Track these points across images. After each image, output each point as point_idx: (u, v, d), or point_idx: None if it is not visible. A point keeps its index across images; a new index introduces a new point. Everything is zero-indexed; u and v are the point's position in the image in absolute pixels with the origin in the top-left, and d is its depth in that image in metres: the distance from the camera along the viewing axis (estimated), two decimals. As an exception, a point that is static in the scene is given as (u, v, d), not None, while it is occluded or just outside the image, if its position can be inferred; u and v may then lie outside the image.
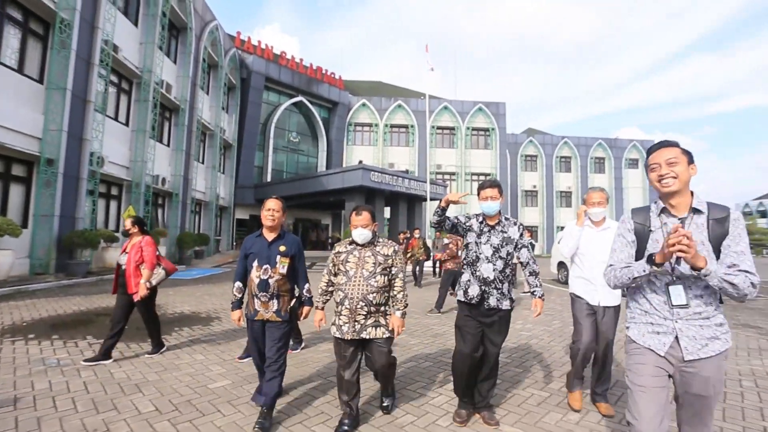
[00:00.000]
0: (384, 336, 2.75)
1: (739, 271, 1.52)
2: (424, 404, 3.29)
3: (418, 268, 11.46)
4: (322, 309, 2.98)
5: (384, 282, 2.75)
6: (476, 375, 2.98)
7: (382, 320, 2.77)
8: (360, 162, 27.24)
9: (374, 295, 2.69)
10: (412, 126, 32.54)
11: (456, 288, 3.16)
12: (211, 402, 3.24)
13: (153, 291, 4.43)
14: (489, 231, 2.91)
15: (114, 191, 14.26)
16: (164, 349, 4.64)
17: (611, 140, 39.73)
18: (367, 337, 2.70)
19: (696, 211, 1.67)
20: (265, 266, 2.92)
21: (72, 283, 9.84)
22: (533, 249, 10.00)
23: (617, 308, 3.16)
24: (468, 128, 33.00)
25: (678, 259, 1.57)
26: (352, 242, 2.86)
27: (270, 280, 2.90)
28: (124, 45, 13.72)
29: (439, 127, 32.97)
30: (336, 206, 27.65)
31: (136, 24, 15.02)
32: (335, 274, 2.89)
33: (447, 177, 32.59)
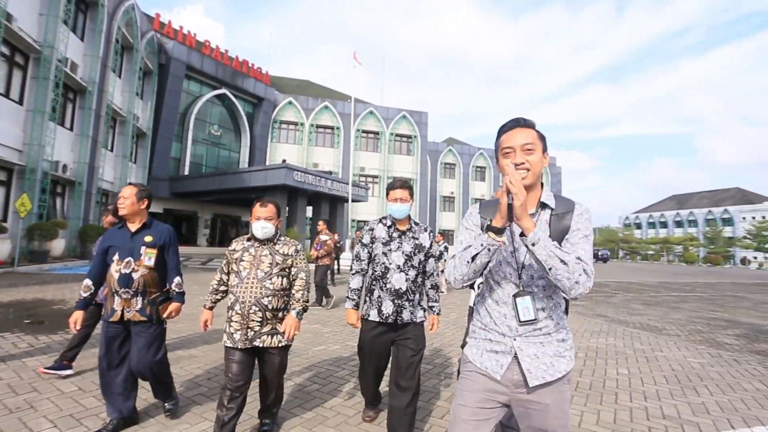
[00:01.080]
0: (279, 345, 2.46)
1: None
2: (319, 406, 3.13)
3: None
4: (210, 309, 2.64)
5: (282, 284, 2.47)
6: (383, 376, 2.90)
7: (279, 327, 2.47)
8: (284, 161, 27.07)
9: (270, 298, 2.41)
10: (337, 128, 33.01)
11: (363, 307, 2.75)
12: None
13: None
14: (399, 237, 2.66)
15: (2, 176, 12.90)
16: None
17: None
18: (261, 345, 2.40)
19: (544, 205, 1.45)
20: (127, 259, 2.61)
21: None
22: (447, 253, 10.68)
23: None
24: (392, 134, 34.29)
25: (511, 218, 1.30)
26: (251, 238, 2.58)
27: (133, 275, 2.59)
28: (19, 14, 12.53)
29: (364, 131, 33.83)
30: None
31: (37, -6, 13.74)
32: (227, 273, 2.61)
33: (370, 179, 33.51)
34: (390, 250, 2.64)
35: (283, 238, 2.64)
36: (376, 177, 33.69)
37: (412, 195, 2.71)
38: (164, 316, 2.73)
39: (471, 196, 40.60)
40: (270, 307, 2.41)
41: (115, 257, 2.61)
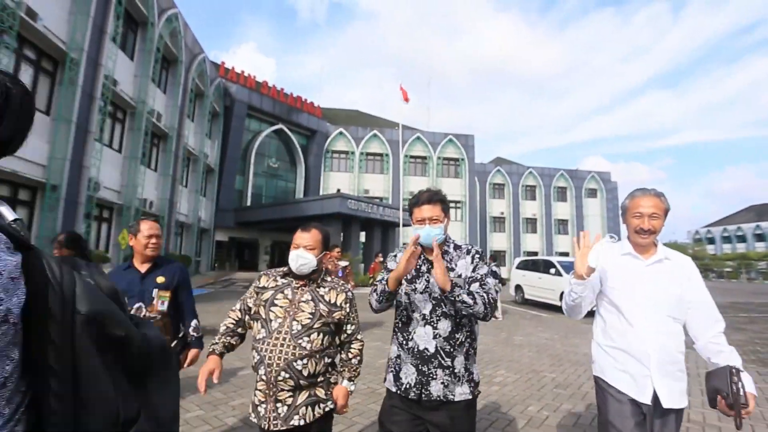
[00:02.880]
0: (325, 410, 1.87)
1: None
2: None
3: None
4: (219, 355, 1.95)
5: (322, 343, 1.85)
6: None
7: (321, 393, 1.88)
8: (338, 190, 28.65)
9: (305, 361, 1.80)
10: (386, 154, 34.29)
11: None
12: None
13: None
14: (428, 271, 1.87)
15: (105, 214, 15.00)
16: None
17: (572, 171, 42.83)
18: (301, 423, 1.79)
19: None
20: (137, 305, 2.32)
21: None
22: (499, 274, 10.50)
23: (680, 414, 1.84)
24: (439, 158, 35.08)
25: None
26: (287, 274, 1.98)
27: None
28: (121, 78, 14.77)
29: (411, 156, 34.87)
30: (313, 230, 28.69)
31: (132, 58, 16.12)
32: (250, 312, 2.00)
33: (420, 204, 34.38)
34: (414, 290, 1.86)
35: (330, 280, 2.02)
36: (424, 201, 34.53)
37: (446, 210, 1.93)
38: (186, 365, 2.46)
39: (522, 215, 40.22)
40: (305, 373, 1.79)
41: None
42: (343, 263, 7.58)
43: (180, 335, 2.53)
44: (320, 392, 1.88)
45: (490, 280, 1.85)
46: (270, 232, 29.92)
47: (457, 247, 1.97)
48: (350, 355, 2.00)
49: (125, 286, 2.33)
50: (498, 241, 39.50)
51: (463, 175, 35.12)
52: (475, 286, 1.81)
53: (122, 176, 15.42)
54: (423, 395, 1.79)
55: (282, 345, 1.79)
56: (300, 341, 1.80)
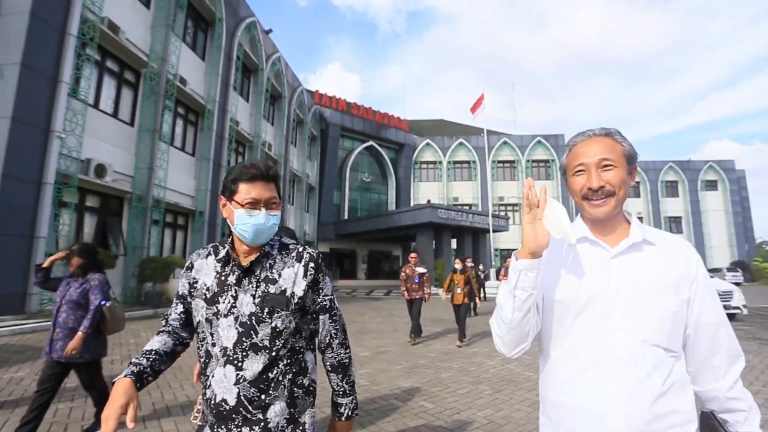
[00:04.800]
0: None
1: None
2: None
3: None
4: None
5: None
6: None
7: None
8: (428, 201, 29.93)
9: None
10: (473, 161, 34.72)
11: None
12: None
13: None
14: (237, 283, 1.23)
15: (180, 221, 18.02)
16: None
17: (683, 162, 38.85)
18: None
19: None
20: None
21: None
22: None
23: None
24: (528, 161, 34.50)
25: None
26: None
27: None
28: (241, 119, 17.75)
29: (499, 161, 34.81)
30: (406, 239, 30.24)
31: (247, 100, 19.19)
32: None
33: (510, 208, 34.02)
34: (216, 313, 1.23)
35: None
36: (515, 205, 34.10)
37: (277, 185, 1.29)
38: None
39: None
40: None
41: None
42: (421, 270, 7.64)
43: None
44: None
45: (336, 302, 1.33)
46: (366, 242, 32.14)
47: (283, 248, 1.30)
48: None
49: None
50: (599, 242, 37.34)
51: (555, 177, 34.07)
52: (323, 320, 1.29)
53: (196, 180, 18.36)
54: None
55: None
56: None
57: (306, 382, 1.27)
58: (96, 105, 10.72)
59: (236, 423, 1.17)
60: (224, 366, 1.19)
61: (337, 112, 30.66)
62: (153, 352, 1.25)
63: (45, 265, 3.26)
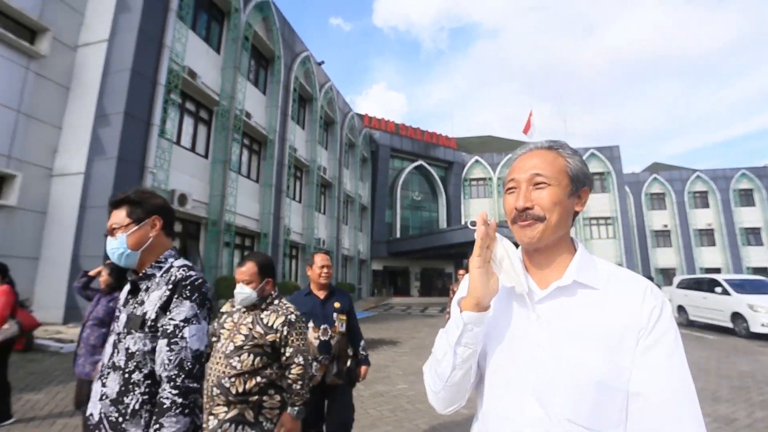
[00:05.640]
0: None
1: None
2: None
3: None
4: None
5: (252, 364, 1.87)
6: None
7: (249, 415, 1.85)
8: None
9: (233, 380, 1.84)
10: (524, 176, 34.21)
11: None
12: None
13: (5, 349, 3.82)
14: (127, 300, 1.38)
15: (294, 252, 19.11)
16: (10, 421, 3.81)
17: (759, 169, 35.91)
18: None
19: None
20: (323, 326, 2.66)
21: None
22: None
23: None
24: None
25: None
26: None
27: (332, 341, 2.65)
28: (299, 146, 18.99)
29: (552, 175, 34.00)
30: (458, 256, 30.22)
31: (303, 128, 20.49)
32: (215, 335, 2.07)
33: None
34: (114, 329, 1.37)
35: (276, 304, 2.06)
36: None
37: (139, 215, 1.35)
38: (362, 378, 2.87)
39: (692, 227, 35.12)
40: (233, 391, 1.82)
41: (311, 325, 2.63)
42: None
43: (351, 354, 2.85)
44: (249, 414, 1.83)
45: (189, 331, 1.23)
46: (419, 260, 32.44)
47: (167, 271, 1.34)
48: (290, 381, 1.95)
49: (309, 309, 2.68)
50: (664, 257, 35.09)
51: (611, 189, 32.75)
52: (160, 347, 1.21)
53: (303, 221, 19.47)
54: None
55: (217, 363, 1.88)
56: (231, 360, 1.86)
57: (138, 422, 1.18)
58: (178, 142, 12.11)
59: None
60: (98, 380, 1.25)
61: (386, 133, 31.64)
62: None
63: (92, 273, 3.46)
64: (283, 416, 1.90)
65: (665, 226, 35.65)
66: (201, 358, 1.24)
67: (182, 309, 1.25)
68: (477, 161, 35.51)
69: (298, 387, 1.94)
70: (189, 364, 1.19)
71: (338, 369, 2.65)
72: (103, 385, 1.23)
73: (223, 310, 2.14)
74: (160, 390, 1.17)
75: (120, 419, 1.17)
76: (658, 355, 0.77)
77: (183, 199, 11.42)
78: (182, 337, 1.21)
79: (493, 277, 0.85)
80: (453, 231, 24.74)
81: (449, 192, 34.54)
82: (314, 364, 2.53)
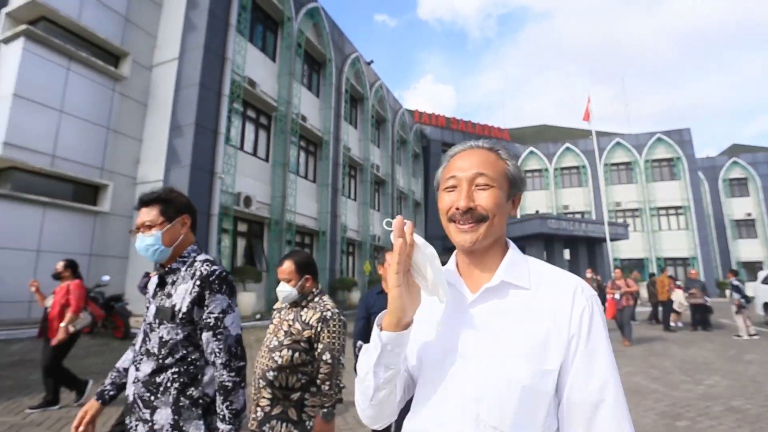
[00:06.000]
0: None
1: None
2: None
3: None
4: None
5: (291, 360, 1.91)
6: None
7: (293, 414, 1.90)
8: (537, 212, 29.03)
9: (275, 374, 1.90)
10: (583, 166, 32.67)
11: None
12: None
13: (71, 339, 4.17)
14: (155, 293, 1.53)
15: (351, 249, 19.72)
16: (56, 407, 4.07)
17: None
18: None
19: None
20: None
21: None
22: (743, 290, 9.51)
23: None
24: (647, 161, 31.21)
25: None
26: None
27: None
28: (352, 145, 19.53)
29: (613, 164, 32.16)
30: (518, 248, 29.47)
31: (356, 127, 21.00)
32: None
33: (629, 214, 31.11)
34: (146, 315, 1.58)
35: (316, 301, 2.09)
36: (635, 210, 31.04)
37: (171, 213, 1.49)
38: None
39: (782, 214, 31.68)
40: (276, 384, 1.90)
41: None
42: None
43: None
44: (292, 413, 1.88)
45: (228, 321, 1.38)
46: (472, 254, 32.08)
47: (191, 265, 1.47)
48: (319, 381, 1.93)
49: (382, 307, 2.32)
50: (748, 249, 31.88)
51: (682, 176, 30.30)
52: (207, 338, 1.36)
53: (358, 219, 20.02)
54: None
55: (263, 357, 1.99)
56: (273, 355, 1.94)
57: (195, 394, 1.34)
58: (241, 147, 12.98)
59: (135, 418, 1.36)
60: (133, 365, 1.42)
61: (436, 128, 31.55)
62: (115, 369, 1.57)
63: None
64: (316, 421, 1.89)
65: (749, 214, 32.39)
66: (241, 340, 1.43)
67: (217, 303, 1.39)
68: (532, 152, 34.37)
69: (326, 387, 1.90)
70: (234, 348, 1.39)
71: None
72: (137, 369, 1.39)
73: (275, 306, 2.22)
74: (217, 375, 1.35)
75: (151, 397, 1.33)
76: (584, 360, 0.76)
77: (248, 200, 12.25)
78: (225, 327, 1.37)
79: (414, 288, 0.79)
80: (509, 225, 24.12)
81: (503, 185, 33.79)
82: None
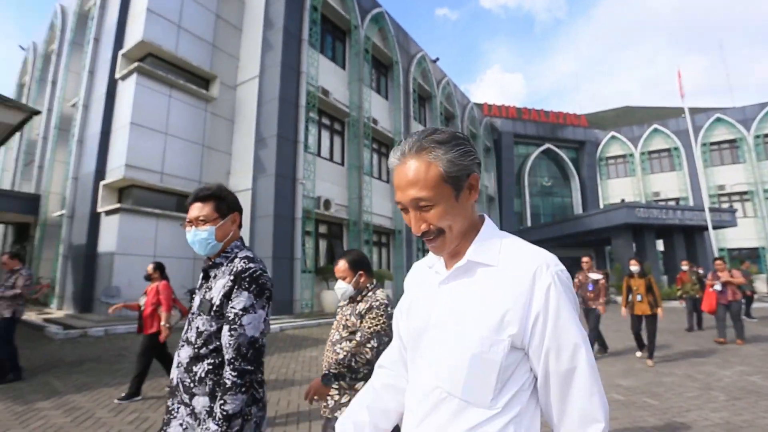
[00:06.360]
0: None
1: None
2: None
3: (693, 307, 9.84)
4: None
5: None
6: None
7: None
8: (622, 200, 27.03)
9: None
10: (675, 148, 29.67)
11: None
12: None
13: (155, 335, 4.61)
14: (201, 285, 1.59)
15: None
16: (139, 398, 4.45)
17: None
18: None
19: None
20: None
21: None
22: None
23: None
24: (757, 136, 27.42)
25: None
26: None
27: None
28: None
29: (713, 143, 28.76)
30: (599, 243, 27.72)
31: (425, 126, 21.08)
32: None
33: (735, 198, 27.59)
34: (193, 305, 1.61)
35: (369, 295, 2.15)
36: (744, 194, 27.42)
37: (224, 209, 1.56)
38: None
39: None
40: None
41: None
42: (595, 276, 6.75)
43: None
44: None
45: (246, 320, 1.38)
46: (554, 249, 30.62)
47: (232, 261, 1.50)
48: (351, 352, 1.95)
49: None
50: None
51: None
52: (224, 332, 1.38)
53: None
54: None
55: (327, 351, 2.13)
56: (335, 348, 2.09)
57: (213, 388, 1.39)
58: (319, 153, 13.72)
59: (177, 400, 1.43)
60: (177, 351, 1.50)
61: (507, 120, 30.61)
62: None
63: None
64: (315, 380, 1.93)
65: None
66: (256, 343, 1.37)
67: (241, 299, 1.38)
68: (613, 137, 31.96)
69: (352, 361, 1.89)
70: (244, 349, 1.34)
71: None
72: (178, 355, 1.46)
73: (338, 304, 2.30)
74: (224, 371, 1.34)
75: (191, 384, 1.39)
76: (553, 333, 0.80)
77: (327, 204, 12.92)
78: (240, 325, 1.35)
79: None
80: (590, 216, 22.79)
81: (582, 174, 31.78)
82: None
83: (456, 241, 0.90)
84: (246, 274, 1.40)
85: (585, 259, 7.01)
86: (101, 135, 11.63)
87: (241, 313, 1.36)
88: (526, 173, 31.07)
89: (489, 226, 0.94)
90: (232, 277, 1.41)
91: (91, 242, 11.18)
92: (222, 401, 1.29)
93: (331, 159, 14.37)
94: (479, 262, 0.88)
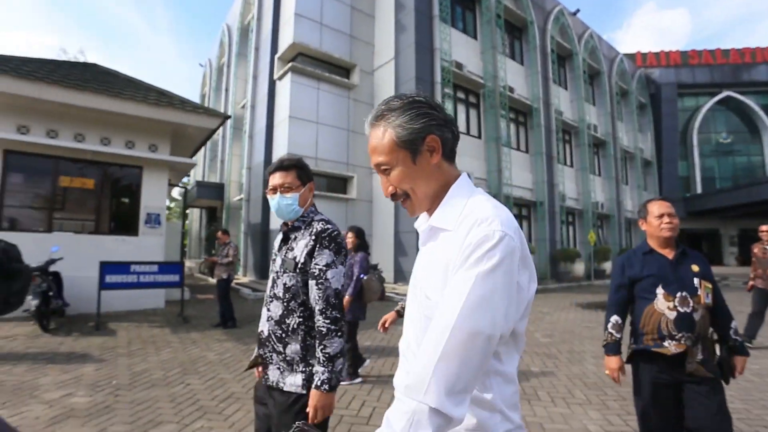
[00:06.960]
0: None
1: None
2: None
3: None
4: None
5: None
6: None
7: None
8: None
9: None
10: None
11: None
12: None
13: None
14: (281, 247, 1.71)
15: (570, 219, 18.51)
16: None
17: None
18: None
19: None
20: (681, 294, 1.97)
21: (563, 287, 14.06)
22: None
23: None
24: None
25: None
26: None
27: (695, 315, 1.94)
28: (564, 108, 18.12)
29: None
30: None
31: (566, 88, 19.33)
32: None
33: None
34: (273, 267, 1.71)
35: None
36: None
37: (304, 178, 1.67)
38: (738, 373, 2.04)
39: None
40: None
41: (660, 291, 2.02)
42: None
43: (716, 338, 2.09)
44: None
45: (330, 274, 1.51)
46: (734, 219, 25.61)
47: (309, 225, 1.63)
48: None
49: (656, 270, 2.07)
50: None
51: None
52: (311, 286, 1.52)
53: (577, 186, 18.54)
54: (264, 380, 1.61)
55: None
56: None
57: (306, 338, 1.54)
58: (454, 129, 13.72)
59: (269, 349, 1.57)
60: (264, 306, 1.64)
61: (668, 69, 26.20)
62: None
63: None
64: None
65: None
66: (340, 294, 1.53)
67: (324, 256, 1.53)
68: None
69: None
70: (333, 299, 1.50)
71: (704, 356, 1.94)
72: (268, 309, 1.61)
73: None
74: (315, 320, 1.50)
75: (284, 335, 1.54)
76: (452, 285, 0.78)
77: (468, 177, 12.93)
78: (326, 279, 1.50)
79: None
80: (730, 191, 18.34)
81: (779, 124, 25.56)
82: (670, 342, 1.94)
83: (426, 204, 0.91)
84: (325, 234, 1.55)
85: (764, 228, 5.64)
86: (266, 129, 13.54)
87: (325, 268, 1.51)
88: (694, 130, 26.31)
89: (459, 186, 0.91)
90: (313, 237, 1.55)
91: (265, 221, 13.26)
92: (322, 346, 1.45)
93: (468, 133, 14.24)
94: (438, 227, 0.88)
